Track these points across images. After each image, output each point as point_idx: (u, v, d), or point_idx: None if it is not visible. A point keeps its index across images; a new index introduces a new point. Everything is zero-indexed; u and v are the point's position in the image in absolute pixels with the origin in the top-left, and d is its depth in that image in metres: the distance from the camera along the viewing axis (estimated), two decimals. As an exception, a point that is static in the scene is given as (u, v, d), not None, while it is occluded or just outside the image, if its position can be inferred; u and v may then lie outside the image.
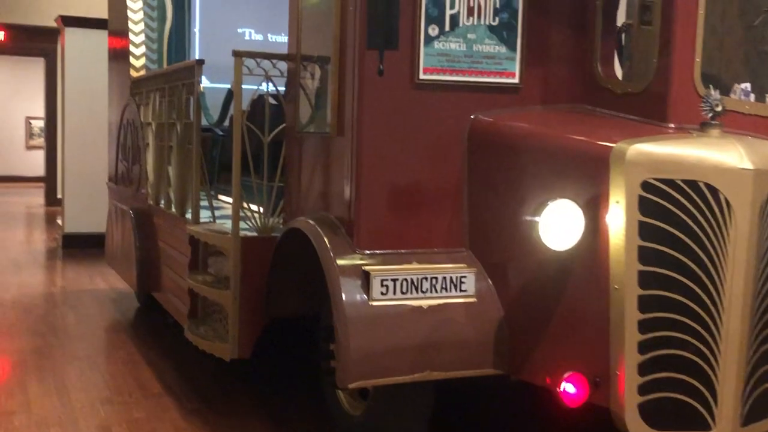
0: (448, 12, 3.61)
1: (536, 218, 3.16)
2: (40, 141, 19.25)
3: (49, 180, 15.25)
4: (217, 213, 4.95)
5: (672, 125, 3.41)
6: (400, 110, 3.57)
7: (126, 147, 6.84)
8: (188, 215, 5.10)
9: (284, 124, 4.30)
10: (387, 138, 3.55)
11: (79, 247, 9.85)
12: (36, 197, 16.79)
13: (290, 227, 3.94)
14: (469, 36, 3.66)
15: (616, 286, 3.07)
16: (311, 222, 3.75)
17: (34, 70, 18.85)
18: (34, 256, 9.86)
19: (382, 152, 3.55)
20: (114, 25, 7.68)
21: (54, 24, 10.74)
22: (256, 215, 4.34)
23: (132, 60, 6.68)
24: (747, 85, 3.76)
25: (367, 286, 3.37)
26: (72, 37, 9.92)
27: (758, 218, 3.06)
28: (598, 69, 3.76)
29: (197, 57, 7.44)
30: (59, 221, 10.81)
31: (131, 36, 6.73)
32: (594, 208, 3.16)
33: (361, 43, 3.49)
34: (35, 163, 20.41)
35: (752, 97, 3.77)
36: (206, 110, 4.72)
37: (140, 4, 6.86)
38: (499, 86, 3.73)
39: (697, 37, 3.38)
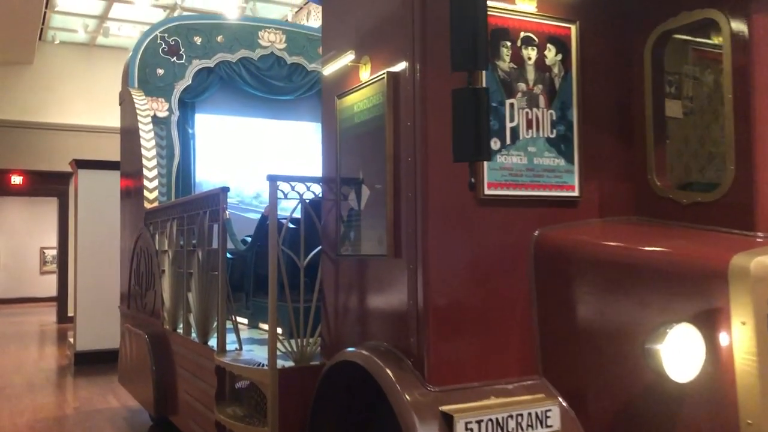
0: (508, 125, 2.64)
1: (657, 346, 2.10)
2: (53, 267, 17.53)
3: (61, 299, 13.63)
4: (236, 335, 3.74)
5: (760, 234, 2.43)
6: (466, 229, 2.56)
7: (139, 273, 5.64)
8: (211, 342, 3.88)
9: (320, 247, 3.26)
10: (453, 259, 2.53)
11: (91, 363, 8.34)
12: (48, 315, 14.94)
13: (341, 360, 2.77)
14: (530, 149, 2.68)
15: (750, 421, 2.00)
16: (368, 354, 2.61)
17: (47, 208, 17.37)
18: (47, 375, 8.25)
19: (448, 275, 2.51)
20: (126, 164, 6.62)
21: (66, 168, 9.63)
22: (292, 341, 3.17)
23: (146, 193, 5.61)
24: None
25: (449, 430, 2.23)
26: (84, 177, 8.84)
27: None
28: (654, 179, 2.79)
29: (197, 188, 6.54)
30: (71, 339, 9.24)
31: (145, 172, 5.65)
32: (713, 332, 2.12)
33: (423, 159, 2.49)
34: (48, 285, 18.59)
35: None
36: (234, 237, 3.58)
37: (153, 144, 5.79)
38: (561, 200, 2.74)
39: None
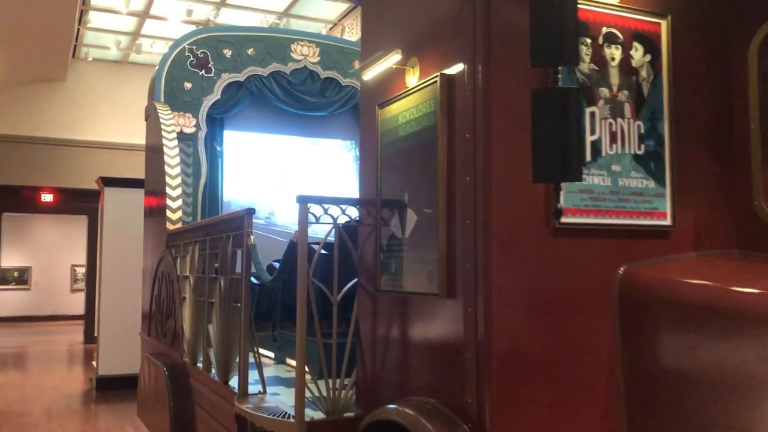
0: (589, 138, 2.17)
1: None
2: (83, 284, 17.44)
3: (89, 318, 13.46)
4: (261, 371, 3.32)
5: None
6: (537, 264, 2.13)
7: (160, 299, 5.29)
8: (233, 382, 3.47)
9: (356, 280, 2.87)
10: (521, 301, 2.10)
11: (113, 389, 8.01)
12: (76, 335, 14.74)
13: (381, 417, 2.32)
14: (614, 168, 2.21)
15: None
16: (414, 414, 2.17)
17: (78, 226, 17.32)
18: (68, 401, 7.91)
19: (515, 320, 2.09)
20: (151, 183, 6.34)
21: (95, 186, 9.35)
22: (322, 382, 2.75)
23: (168, 213, 5.30)
24: None
25: None
26: (110, 195, 8.64)
27: None
28: (761, 205, 2.29)
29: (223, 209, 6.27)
30: (94, 363, 8.92)
31: (168, 191, 5.33)
32: None
33: (485, 178, 2.06)
34: (78, 303, 18.50)
35: None
36: (259, 265, 3.17)
37: (177, 161, 5.48)
38: (650, 229, 2.28)
39: None
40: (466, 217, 2.15)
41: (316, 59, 6.60)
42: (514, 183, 2.08)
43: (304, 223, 2.81)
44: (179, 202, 5.32)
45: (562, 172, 1.62)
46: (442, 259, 2.23)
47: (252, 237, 3.26)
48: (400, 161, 2.54)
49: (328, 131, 6.92)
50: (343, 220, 2.94)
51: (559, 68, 1.67)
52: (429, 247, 2.31)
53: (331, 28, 11.65)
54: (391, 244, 2.59)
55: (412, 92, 2.46)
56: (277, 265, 4.46)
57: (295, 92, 6.53)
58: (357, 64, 6.70)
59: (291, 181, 6.71)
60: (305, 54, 6.58)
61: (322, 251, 3.01)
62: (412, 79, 2.51)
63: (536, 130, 1.66)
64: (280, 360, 4.33)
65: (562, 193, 2.10)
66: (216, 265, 3.90)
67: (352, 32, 11.23)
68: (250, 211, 3.35)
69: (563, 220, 2.12)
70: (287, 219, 6.74)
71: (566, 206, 2.13)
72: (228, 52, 6.29)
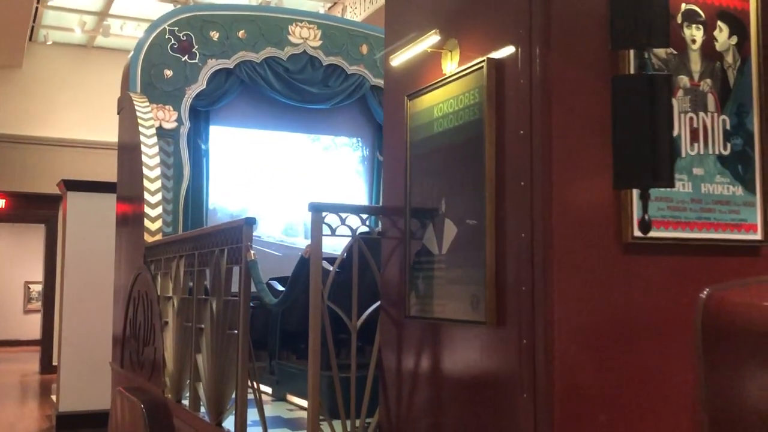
0: (666, 135, 2.10)
1: None
2: (38, 305, 17.39)
3: (45, 345, 13.35)
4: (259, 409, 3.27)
5: None
6: (606, 286, 2.08)
7: (136, 323, 5.24)
8: (227, 424, 3.42)
9: (378, 303, 2.86)
10: (588, 331, 2.06)
11: (76, 428, 7.90)
12: (31, 363, 14.64)
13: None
14: (695, 171, 2.17)
15: None
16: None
17: (33, 237, 17.26)
18: (23, 442, 7.82)
19: (582, 354, 2.05)
20: (124, 187, 6.30)
21: (55, 190, 9.32)
22: (336, 427, 2.74)
23: (147, 223, 5.23)
24: None
25: None
26: (74, 201, 8.56)
27: None
28: None
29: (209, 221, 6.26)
30: (53, 396, 8.84)
31: (146, 196, 5.28)
32: None
33: (545, 183, 2.02)
34: (32, 327, 18.37)
35: None
36: (261, 284, 3.13)
37: (157, 161, 5.42)
38: (739, 245, 2.24)
39: None
40: (521, 229, 2.10)
41: (318, 43, 6.57)
42: (580, 189, 2.04)
43: (317, 235, 2.77)
44: (159, 210, 5.26)
45: (651, 177, 1.56)
46: (489, 279, 2.19)
47: (253, 252, 3.21)
48: (436, 162, 2.50)
49: (331, 127, 6.89)
50: (360, 231, 2.91)
51: (646, 51, 1.61)
52: (473, 265, 2.27)
53: (330, 8, 11.63)
54: (423, 262, 2.55)
55: (451, 80, 2.43)
56: (276, 284, 4.42)
57: (292, 81, 6.49)
58: (365, 49, 6.66)
59: (287, 184, 6.69)
60: (305, 37, 6.54)
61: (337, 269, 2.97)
62: (451, 65, 2.47)
63: (618, 126, 1.59)
64: (279, 396, 4.27)
65: (635, 202, 2.04)
66: (206, 284, 3.84)
67: (355, 12, 11.21)
68: (250, 222, 3.30)
69: (636, 233, 2.06)
70: (280, 229, 6.71)
71: (639, 217, 2.06)
72: (215, 35, 6.25)
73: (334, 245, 3.49)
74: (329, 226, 2.80)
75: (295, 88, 6.51)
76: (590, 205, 2.05)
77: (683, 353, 2.11)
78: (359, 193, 6.88)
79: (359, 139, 7.04)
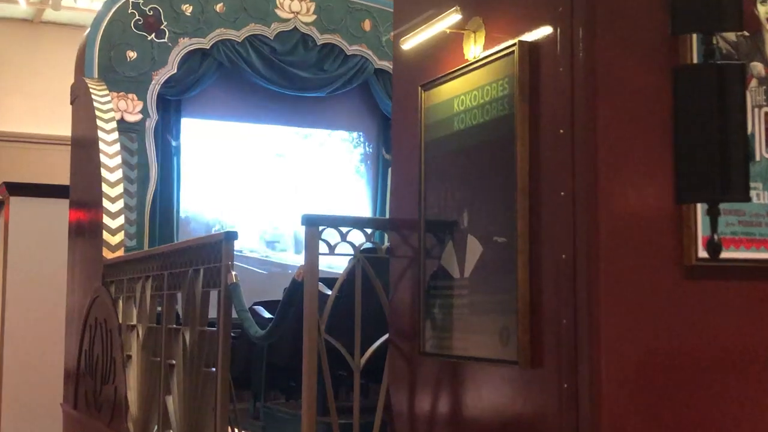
0: (737, 135, 2.11)
1: None
2: (-26, 331, 17.39)
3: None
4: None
5: None
6: (665, 317, 2.09)
7: (93, 357, 5.29)
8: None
9: (386, 336, 2.93)
10: (644, 372, 2.07)
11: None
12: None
13: None
14: (772, 178, 2.15)
15: None
16: None
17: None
18: (-44, 497, 7.82)
19: (635, 400, 2.05)
20: (79, 191, 6.36)
21: (-5, 194, 9.35)
22: None
23: (106, 235, 5.26)
24: None
25: None
26: (18, 207, 8.56)
27: None
28: None
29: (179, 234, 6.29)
30: (-8, 444, 8.87)
31: (106, 203, 5.32)
32: None
33: (590, 194, 2.06)
34: (-33, 357, 18.47)
35: None
36: (244, 312, 3.18)
37: (118, 161, 5.46)
38: (824, 268, 2.20)
39: None
40: (560, 249, 2.11)
41: (311, 18, 6.60)
42: (632, 200, 2.05)
43: (312, 254, 2.83)
44: (120, 220, 5.28)
45: (721, 188, 1.54)
46: (522, 309, 2.20)
47: (235, 274, 3.25)
48: (457, 166, 2.54)
49: (327, 119, 6.92)
50: (364, 247, 2.95)
51: (714, 36, 1.60)
52: (502, 291, 2.29)
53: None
54: (441, 287, 2.59)
55: (474, 68, 2.46)
56: (261, 310, 4.43)
57: (280, 64, 6.52)
58: (368, 25, 6.69)
59: (274, 188, 6.71)
60: (295, 11, 6.58)
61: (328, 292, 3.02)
62: (475, 48, 2.50)
63: (681, 126, 1.58)
64: (265, 446, 4.30)
65: (700, 216, 2.04)
66: (178, 310, 3.88)
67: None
68: (231, 237, 3.34)
69: (701, 254, 2.06)
70: (265, 242, 6.73)
71: (707, 234, 2.06)
72: (188, 9, 6.27)
73: (333, 264, 3.51)
74: (327, 242, 2.84)
75: (284, 72, 6.54)
76: (645, 220, 2.05)
77: (764, 398, 2.13)
78: (361, 201, 6.89)
79: (361, 134, 7.06)
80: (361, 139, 7.08)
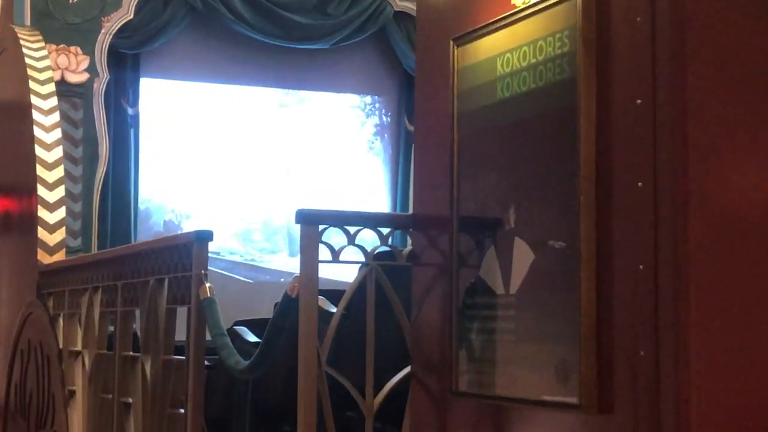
0: None
1: None
2: None
3: None
4: None
5: None
6: None
7: (25, 392, 5.34)
8: None
9: (408, 370, 3.00)
10: (746, 417, 2.11)
11: None
12: None
13: None
14: None
15: None
16: None
17: None
18: None
19: None
20: (5, 174, 6.42)
21: None
22: None
23: (42, 233, 5.34)
24: None
25: None
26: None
27: None
28: None
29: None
30: None
31: (41, 191, 5.43)
32: None
33: (679, 181, 2.08)
34: None
35: None
36: (222, 337, 3.27)
37: (58, 134, 5.50)
38: None
39: None
40: (637, 257, 2.14)
41: (310, -54, 6.68)
42: (735, 192, 2.08)
43: (311, 261, 2.87)
44: (61, 213, 5.35)
45: None
46: (587, 337, 2.23)
47: (209, 286, 3.30)
48: (500, 147, 2.59)
49: (330, 79, 7.01)
50: (379, 252, 3.02)
51: None
52: (560, 313, 2.33)
53: None
54: (480, 305, 2.64)
55: (525, 16, 2.49)
56: (245, 332, 4.48)
57: (270, 5, 6.59)
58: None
59: (261, 171, 6.76)
60: (290, -63, 6.65)
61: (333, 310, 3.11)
62: None
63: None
64: (248, 508, 4.40)
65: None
66: (137, 331, 3.95)
67: None
68: (205, 236, 3.40)
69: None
70: (249, 241, 6.78)
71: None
72: (148, -65, 6.37)
73: (338, 273, 3.55)
74: (329, 246, 2.89)
75: (275, 17, 6.64)
76: (750, 219, 2.08)
77: None
78: (377, 189, 6.94)
79: (376, 98, 7.11)
80: (377, 106, 7.13)
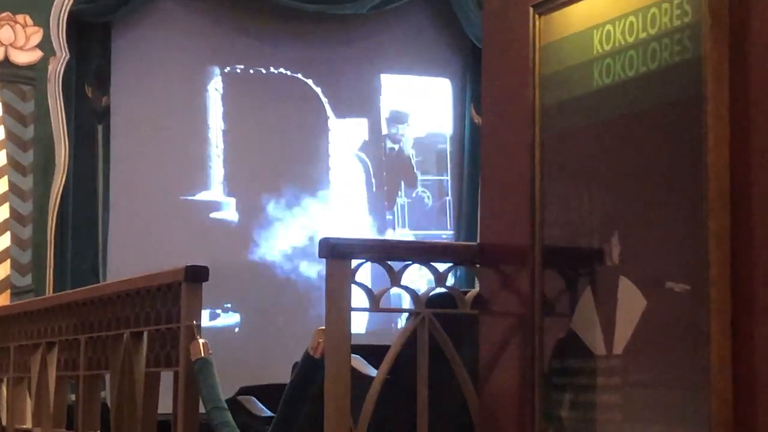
0: None
1: None
2: None
3: None
4: None
5: None
6: None
7: None
8: None
9: None
10: None
11: None
12: None
13: None
14: None
15: None
16: None
17: None
18: None
19: None
20: None
21: None
22: None
23: None
24: None
25: None
26: None
27: None
28: None
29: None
30: None
31: None
32: None
33: None
34: None
35: None
36: (220, 409, 3.27)
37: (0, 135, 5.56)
38: None
39: None
40: None
41: None
42: None
43: (340, 308, 2.89)
44: (5, 240, 5.41)
45: None
46: (720, 414, 2.24)
47: (204, 342, 3.30)
48: (598, 152, 2.61)
49: (369, 54, 7.00)
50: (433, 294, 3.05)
51: None
52: (684, 382, 2.34)
53: None
54: (572, 370, 2.70)
55: None
56: (254, 403, 4.54)
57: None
58: None
59: (274, 172, 6.82)
60: None
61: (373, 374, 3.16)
62: None
63: None
64: None
65: None
66: (106, 401, 4.00)
67: None
68: (198, 274, 3.42)
69: None
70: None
71: None
72: None
73: (378, 321, 3.57)
74: (366, 288, 2.90)
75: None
76: None
77: None
78: (430, 205, 6.95)
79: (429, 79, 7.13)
80: (424, 89, 7.16)
